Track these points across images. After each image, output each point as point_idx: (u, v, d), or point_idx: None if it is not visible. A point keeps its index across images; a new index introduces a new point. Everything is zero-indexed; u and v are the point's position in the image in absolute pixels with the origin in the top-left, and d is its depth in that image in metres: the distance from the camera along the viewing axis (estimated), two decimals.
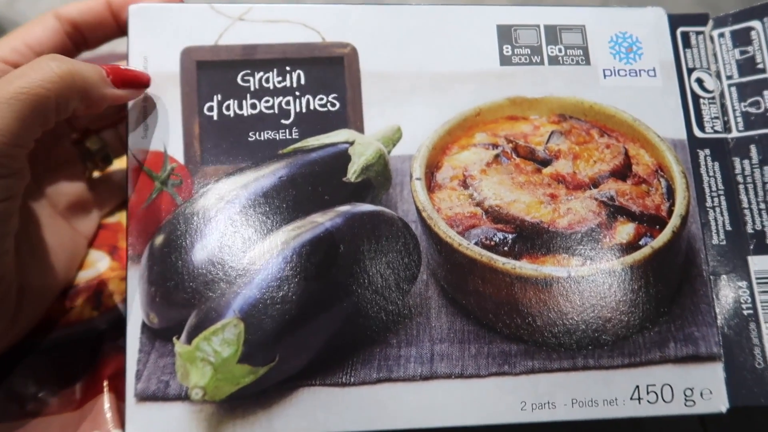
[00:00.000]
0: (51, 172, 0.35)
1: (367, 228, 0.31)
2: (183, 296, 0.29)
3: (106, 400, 0.30)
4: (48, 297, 0.33)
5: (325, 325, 0.30)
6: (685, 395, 0.30)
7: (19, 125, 0.26)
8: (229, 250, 0.30)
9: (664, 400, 0.30)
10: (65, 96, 0.27)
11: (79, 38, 0.33)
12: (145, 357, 0.29)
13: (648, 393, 0.30)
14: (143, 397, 0.29)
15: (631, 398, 0.30)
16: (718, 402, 0.30)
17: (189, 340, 0.28)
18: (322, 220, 0.31)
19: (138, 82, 0.31)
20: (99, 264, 0.35)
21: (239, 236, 0.30)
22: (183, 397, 0.29)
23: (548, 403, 0.30)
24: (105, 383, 0.31)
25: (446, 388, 0.30)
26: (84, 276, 0.35)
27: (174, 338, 0.29)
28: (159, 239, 0.30)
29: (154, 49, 0.32)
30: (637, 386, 0.30)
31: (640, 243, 0.31)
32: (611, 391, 0.30)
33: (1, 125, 0.25)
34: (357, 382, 0.30)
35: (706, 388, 0.30)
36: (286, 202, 0.31)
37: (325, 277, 0.30)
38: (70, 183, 0.36)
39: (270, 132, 0.32)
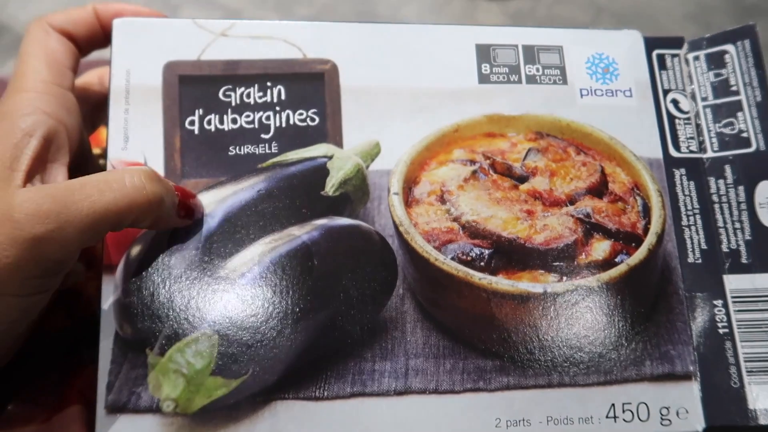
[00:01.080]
0: None
1: (344, 242, 0.31)
2: (157, 307, 0.29)
3: (77, 412, 0.30)
4: (44, 309, 0.33)
5: (299, 338, 0.30)
6: (661, 414, 0.30)
7: (91, 237, 0.26)
8: (205, 263, 0.30)
9: (640, 419, 0.30)
10: (141, 218, 0.27)
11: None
12: (117, 368, 0.29)
13: (624, 411, 0.30)
14: (114, 409, 0.29)
15: (607, 416, 0.30)
16: (694, 421, 0.30)
17: (162, 352, 0.28)
18: (299, 233, 0.31)
19: (195, 215, 0.31)
20: (75, 273, 0.35)
21: (216, 249, 0.30)
22: (154, 409, 0.28)
23: (523, 420, 0.30)
24: (76, 394, 0.31)
25: (421, 403, 0.30)
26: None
27: (147, 349, 0.29)
28: (135, 249, 0.30)
29: (137, 63, 0.33)
30: (613, 404, 0.30)
31: (616, 260, 0.31)
32: (587, 408, 0.30)
33: (75, 237, 0.25)
34: (330, 396, 0.29)
35: (682, 407, 0.30)
36: (264, 216, 0.31)
37: (301, 290, 0.30)
38: None
39: (250, 146, 0.33)
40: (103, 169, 0.37)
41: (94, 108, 0.35)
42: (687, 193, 0.34)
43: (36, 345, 0.32)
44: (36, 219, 0.25)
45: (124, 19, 0.33)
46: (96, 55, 0.35)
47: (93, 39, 0.33)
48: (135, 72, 0.33)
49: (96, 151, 0.38)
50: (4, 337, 0.27)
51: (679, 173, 0.34)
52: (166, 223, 0.29)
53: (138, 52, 0.33)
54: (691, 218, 0.33)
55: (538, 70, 0.35)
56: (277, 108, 0.33)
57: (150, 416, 0.29)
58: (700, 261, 0.33)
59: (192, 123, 0.33)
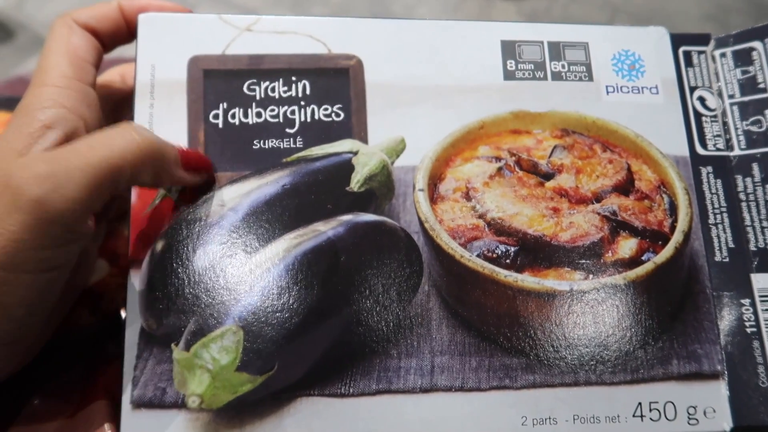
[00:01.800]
0: None
1: (369, 238, 0.31)
2: (183, 302, 0.29)
3: (102, 407, 0.30)
4: (69, 305, 0.33)
5: (324, 334, 0.30)
6: (689, 413, 0.30)
7: (90, 194, 0.25)
8: (230, 258, 0.30)
9: (667, 418, 0.30)
10: (139, 170, 0.27)
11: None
12: (142, 363, 0.29)
13: (651, 410, 0.30)
14: (139, 404, 0.28)
15: (634, 415, 0.30)
16: (722, 421, 0.30)
17: (187, 347, 0.28)
18: (325, 229, 0.31)
19: (204, 168, 0.31)
20: (99, 270, 0.35)
21: (241, 243, 0.30)
22: (180, 404, 0.28)
23: (549, 418, 0.29)
24: (101, 389, 0.31)
25: (446, 401, 0.30)
26: None
27: (172, 345, 0.29)
28: (160, 245, 0.30)
29: (162, 58, 0.33)
30: (640, 403, 0.30)
31: (643, 258, 0.31)
32: (613, 407, 0.30)
33: (74, 194, 0.25)
34: (356, 393, 0.29)
35: (710, 406, 0.30)
36: (288, 211, 0.31)
37: (326, 286, 0.30)
38: (112, 200, 0.36)
39: (274, 140, 0.32)
40: None
41: (116, 105, 0.35)
42: (714, 191, 0.33)
43: (61, 341, 0.32)
44: (34, 181, 0.24)
45: (149, 14, 0.33)
46: (117, 52, 0.35)
47: (117, 35, 0.33)
48: (160, 67, 0.32)
49: None
50: (23, 324, 0.27)
51: (705, 171, 0.34)
52: (170, 176, 0.29)
53: (163, 47, 0.33)
54: (718, 216, 0.33)
55: (563, 66, 0.35)
56: (302, 103, 0.33)
57: (175, 412, 0.28)
58: (727, 259, 0.32)
59: (216, 117, 0.33)
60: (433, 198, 0.33)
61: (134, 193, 0.31)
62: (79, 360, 0.32)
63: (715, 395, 0.30)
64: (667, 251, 0.31)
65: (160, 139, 0.28)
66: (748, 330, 0.31)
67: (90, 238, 0.28)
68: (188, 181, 0.30)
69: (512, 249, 0.31)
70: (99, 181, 0.25)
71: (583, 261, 0.31)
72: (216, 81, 0.33)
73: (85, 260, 0.34)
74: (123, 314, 0.30)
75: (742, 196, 0.33)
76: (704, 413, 0.30)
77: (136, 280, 0.30)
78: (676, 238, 0.31)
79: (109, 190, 0.26)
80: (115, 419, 0.29)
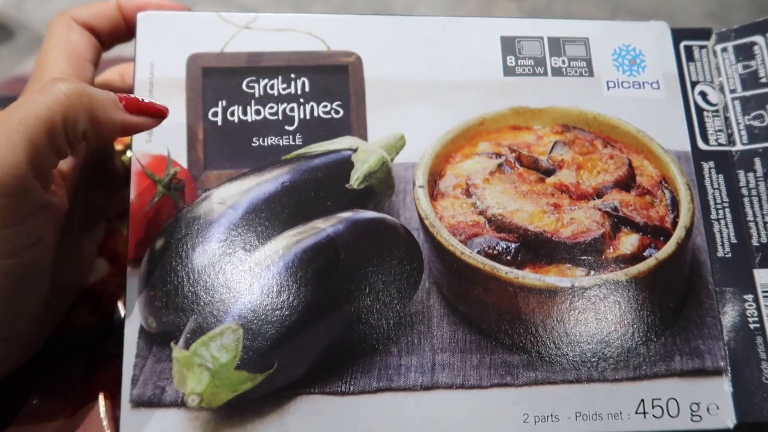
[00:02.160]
0: (95, 189, 0.34)
1: (369, 235, 0.31)
2: (182, 301, 0.29)
3: (102, 406, 0.30)
4: (68, 303, 0.32)
5: (324, 332, 0.29)
6: (692, 410, 0.30)
7: (29, 153, 0.24)
8: (229, 256, 0.30)
9: (669, 415, 0.30)
10: (72, 117, 0.26)
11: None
12: (141, 362, 0.29)
13: (653, 407, 0.30)
14: (139, 403, 0.28)
15: (636, 412, 0.30)
16: (725, 417, 0.30)
17: (187, 345, 0.28)
18: (324, 226, 0.30)
19: (153, 111, 0.29)
20: (98, 270, 0.35)
21: (240, 241, 0.30)
22: (179, 403, 0.28)
23: (551, 415, 0.29)
24: (100, 389, 0.31)
25: (447, 398, 0.29)
26: None
27: (172, 343, 0.28)
28: (160, 243, 0.30)
29: (161, 55, 0.33)
30: (642, 400, 0.30)
31: (645, 254, 0.31)
32: (616, 404, 0.30)
33: (12, 156, 0.24)
34: (356, 390, 0.29)
35: (713, 402, 0.30)
36: (288, 208, 0.31)
37: (326, 284, 0.30)
38: (110, 198, 0.35)
39: (273, 138, 0.32)
40: (124, 165, 0.37)
41: None
42: (716, 186, 0.33)
43: (60, 340, 0.31)
44: None
45: (148, 12, 0.33)
46: (116, 50, 0.35)
47: (116, 33, 0.33)
48: (159, 65, 0.32)
49: (118, 147, 0.38)
50: (9, 321, 0.27)
51: (707, 166, 0.34)
52: (111, 120, 0.27)
53: (162, 45, 0.33)
54: (721, 212, 0.33)
55: (563, 62, 0.34)
56: (302, 100, 0.33)
57: (175, 410, 0.28)
58: (729, 255, 0.32)
59: (215, 114, 0.32)
60: (433, 195, 0.33)
61: (133, 192, 0.31)
62: (79, 359, 0.32)
63: (718, 392, 0.30)
64: (669, 247, 0.31)
65: (90, 87, 0.27)
66: (752, 326, 0.31)
67: (57, 212, 0.27)
68: (137, 124, 0.29)
69: (513, 245, 0.31)
70: (32, 138, 0.24)
71: (585, 257, 0.31)
72: (215, 79, 0.33)
73: (84, 260, 0.34)
74: (122, 313, 0.30)
75: (744, 191, 0.33)
76: (707, 410, 0.30)
77: (136, 279, 0.30)
78: (678, 233, 0.31)
79: (48, 146, 0.25)
80: (115, 418, 0.29)
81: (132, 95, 0.29)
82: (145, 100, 0.29)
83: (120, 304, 0.35)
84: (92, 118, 0.27)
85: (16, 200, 0.25)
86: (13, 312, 0.27)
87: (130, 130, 0.29)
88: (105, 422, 0.29)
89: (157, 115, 0.30)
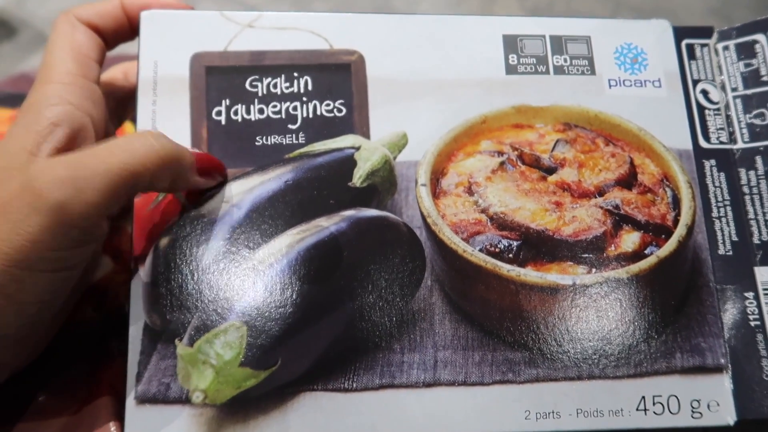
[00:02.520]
0: None
1: (372, 233, 0.31)
2: (186, 298, 0.29)
3: (107, 403, 0.30)
4: (74, 302, 0.33)
5: (327, 329, 0.30)
6: (692, 407, 0.30)
7: (109, 199, 0.26)
8: (233, 254, 0.30)
9: (670, 412, 0.30)
10: (158, 176, 0.27)
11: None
12: (146, 359, 0.29)
13: (654, 404, 0.30)
14: (143, 400, 0.29)
15: (637, 409, 0.30)
16: (726, 414, 0.30)
17: (191, 343, 0.28)
18: (327, 224, 0.31)
19: (217, 172, 0.31)
20: (102, 267, 0.35)
21: (244, 239, 0.30)
22: (184, 399, 0.29)
23: (553, 412, 0.30)
24: (106, 386, 0.31)
25: (449, 395, 0.30)
26: None
27: (176, 340, 0.29)
28: (164, 241, 0.30)
29: (165, 54, 0.33)
30: (643, 397, 0.30)
31: (646, 252, 0.31)
32: (617, 401, 0.30)
33: (94, 199, 0.25)
34: (359, 387, 0.29)
35: (713, 399, 0.30)
36: (291, 206, 0.31)
37: (329, 281, 0.30)
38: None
39: (277, 136, 0.33)
40: None
41: (119, 103, 0.35)
42: (717, 184, 0.33)
43: (66, 338, 0.32)
44: (54, 185, 0.25)
45: (152, 11, 0.33)
46: (120, 49, 0.35)
47: (119, 32, 0.33)
48: (162, 63, 0.32)
49: None
50: (35, 321, 0.27)
51: (709, 164, 0.34)
52: (186, 181, 0.29)
53: (165, 43, 0.33)
54: (722, 210, 0.33)
55: (565, 60, 0.35)
56: (304, 98, 0.33)
57: (179, 407, 0.29)
58: (730, 253, 0.32)
59: (219, 113, 0.33)
60: (436, 193, 0.33)
61: None
62: (84, 356, 0.33)
63: (719, 389, 0.30)
64: (670, 245, 0.31)
65: (178, 146, 0.28)
66: (752, 323, 0.31)
67: (103, 238, 0.28)
68: (203, 185, 0.30)
69: (515, 243, 0.31)
70: (118, 186, 0.26)
71: (586, 255, 0.31)
72: (218, 77, 0.33)
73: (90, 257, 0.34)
74: (127, 310, 0.30)
75: (745, 189, 0.33)
76: (708, 407, 0.30)
77: (140, 277, 0.30)
78: (679, 231, 0.31)
79: (127, 195, 0.27)
80: (120, 415, 0.30)
81: (204, 153, 0.31)
82: (213, 160, 0.31)
83: (124, 302, 0.35)
84: (173, 179, 0.28)
85: (81, 232, 0.26)
86: (39, 315, 0.27)
87: (195, 188, 0.31)
88: (111, 419, 0.30)
89: (220, 175, 0.31)
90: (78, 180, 0.25)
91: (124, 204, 0.27)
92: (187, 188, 0.30)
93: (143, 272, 0.30)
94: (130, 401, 0.29)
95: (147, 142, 0.27)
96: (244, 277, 0.29)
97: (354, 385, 0.29)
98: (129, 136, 0.27)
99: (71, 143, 0.28)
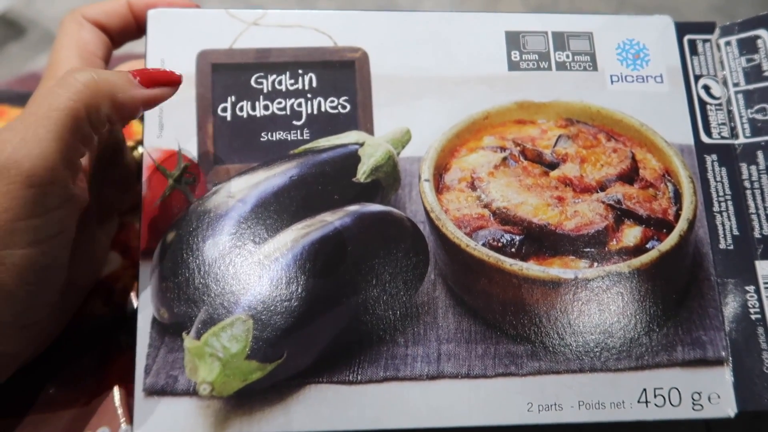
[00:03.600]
0: (108, 184, 0.35)
1: (376, 227, 0.32)
2: (193, 292, 0.30)
3: (116, 395, 0.31)
4: (83, 295, 0.33)
5: (332, 322, 0.30)
6: (693, 399, 0.30)
7: (58, 145, 0.25)
8: (239, 248, 0.30)
9: (671, 404, 0.30)
10: (94, 104, 0.26)
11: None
12: (154, 352, 0.30)
13: (655, 396, 0.30)
14: (152, 392, 0.29)
15: (639, 401, 0.30)
16: (726, 406, 0.30)
17: (198, 336, 0.29)
18: (332, 219, 0.31)
19: (168, 80, 0.30)
20: (111, 263, 0.36)
21: (249, 234, 0.31)
22: (191, 392, 0.29)
23: (555, 404, 0.30)
24: (115, 378, 0.31)
25: (453, 387, 0.30)
26: None
27: (183, 333, 0.29)
28: (171, 235, 0.31)
29: (171, 52, 0.33)
30: (645, 389, 0.30)
31: (647, 246, 0.31)
32: (618, 393, 0.30)
33: (41, 148, 0.25)
34: (364, 380, 0.30)
35: (714, 392, 0.30)
36: (296, 201, 0.32)
37: (334, 275, 0.30)
38: (123, 193, 0.36)
39: (282, 133, 0.33)
40: (136, 160, 0.37)
41: None
42: (718, 179, 0.34)
43: (75, 332, 0.32)
44: (0, 146, 0.24)
45: (158, 9, 0.33)
46: (127, 48, 0.36)
47: (126, 30, 0.34)
48: (169, 61, 0.33)
49: (129, 143, 0.39)
50: (31, 306, 0.27)
51: (710, 159, 0.34)
52: (132, 99, 0.28)
53: (172, 41, 0.33)
54: (723, 204, 0.33)
55: (568, 56, 0.35)
56: (309, 95, 0.33)
57: (187, 399, 0.29)
58: (731, 247, 0.33)
59: (224, 110, 0.33)
60: (439, 188, 0.33)
61: (145, 187, 0.32)
62: (93, 349, 0.33)
63: (720, 381, 0.30)
64: (671, 239, 0.31)
65: (104, 71, 0.28)
66: (753, 317, 0.31)
67: (80, 204, 0.28)
68: (156, 97, 0.29)
69: (517, 238, 0.31)
70: (59, 129, 0.25)
71: (588, 249, 0.31)
72: (224, 75, 0.33)
73: (98, 253, 0.34)
74: (135, 304, 0.31)
75: (746, 184, 0.33)
76: (709, 399, 0.30)
77: (148, 272, 0.31)
78: (681, 226, 0.32)
79: (74, 136, 0.26)
80: (129, 406, 0.30)
81: (146, 68, 0.30)
82: (158, 70, 0.30)
83: (133, 296, 0.36)
84: (113, 101, 0.27)
85: (44, 191, 0.25)
86: (31, 299, 0.27)
87: (151, 103, 0.30)
88: (119, 410, 0.30)
89: (172, 83, 0.30)
90: (17, 134, 0.25)
91: (81, 149, 0.27)
92: (138, 104, 0.29)
93: (151, 267, 0.31)
94: (138, 393, 0.29)
95: (67, 78, 0.26)
96: (250, 272, 0.30)
97: (358, 378, 0.30)
98: (50, 83, 0.26)
99: None
